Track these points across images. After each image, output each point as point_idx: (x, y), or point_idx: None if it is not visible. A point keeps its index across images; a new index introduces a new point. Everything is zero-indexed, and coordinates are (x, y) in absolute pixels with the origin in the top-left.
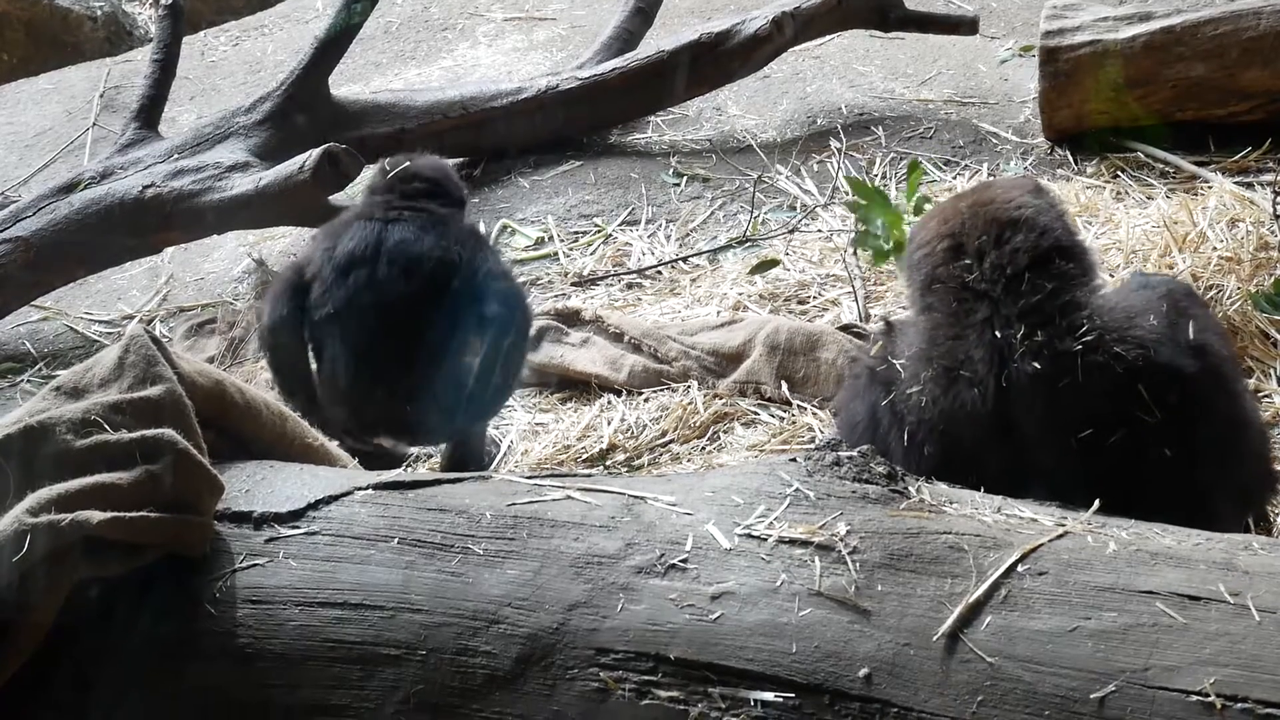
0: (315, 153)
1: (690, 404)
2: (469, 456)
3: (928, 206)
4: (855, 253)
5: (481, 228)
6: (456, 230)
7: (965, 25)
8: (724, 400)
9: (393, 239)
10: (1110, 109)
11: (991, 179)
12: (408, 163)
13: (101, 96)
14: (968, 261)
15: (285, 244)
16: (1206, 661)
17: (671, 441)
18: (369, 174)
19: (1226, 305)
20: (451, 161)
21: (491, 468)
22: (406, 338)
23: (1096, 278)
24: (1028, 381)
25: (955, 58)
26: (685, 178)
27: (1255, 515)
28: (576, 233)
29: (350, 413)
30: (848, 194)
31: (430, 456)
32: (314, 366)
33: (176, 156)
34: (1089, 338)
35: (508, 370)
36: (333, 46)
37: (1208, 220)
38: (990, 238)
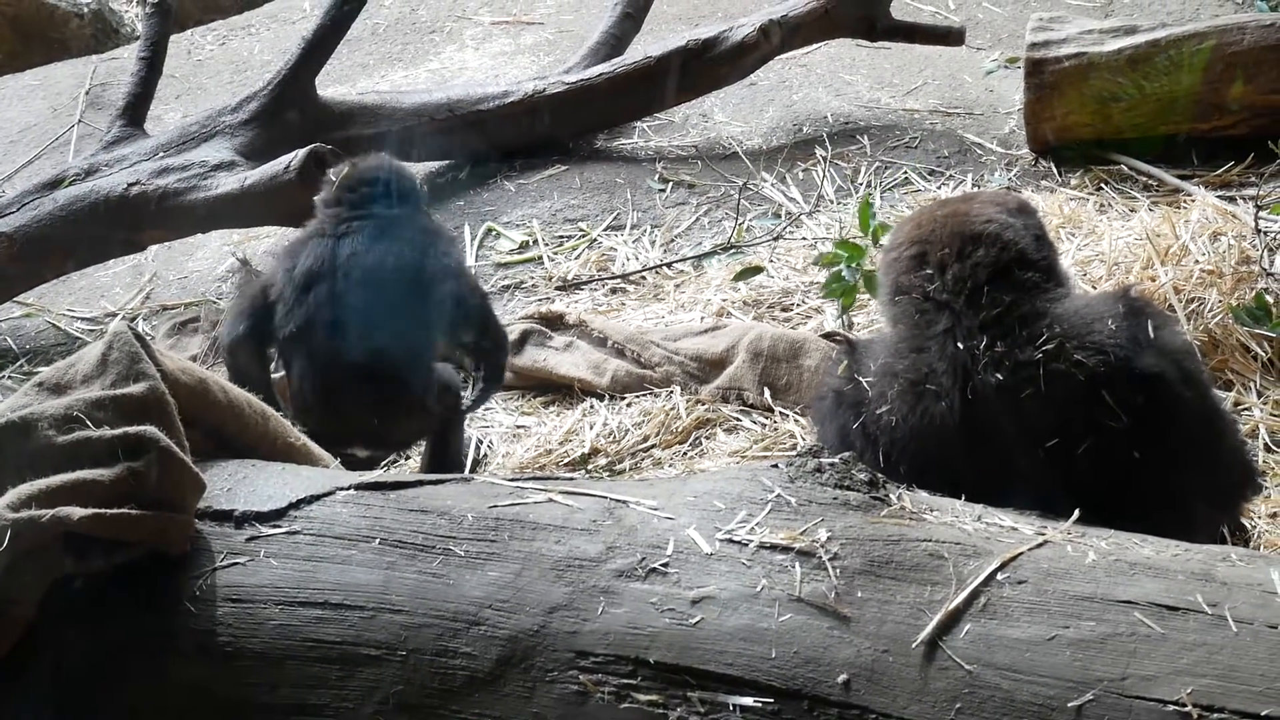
0: (301, 153)
1: (673, 409)
2: (448, 458)
3: (884, 239)
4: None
5: (439, 224)
6: (408, 232)
7: (952, 36)
8: (706, 406)
9: (343, 254)
10: (1095, 121)
11: (977, 190)
12: (347, 169)
13: (87, 93)
14: (929, 272)
15: (269, 243)
16: (1184, 671)
17: (654, 446)
18: None
19: (1208, 318)
20: (437, 164)
21: (470, 469)
22: (369, 351)
23: (1064, 287)
24: (992, 393)
25: (941, 68)
26: (671, 184)
27: (1232, 516)
28: (561, 237)
29: (320, 427)
30: (833, 203)
31: (409, 458)
32: (280, 378)
33: (162, 154)
34: (1049, 346)
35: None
36: (319, 47)
37: (1190, 233)
38: (953, 250)
